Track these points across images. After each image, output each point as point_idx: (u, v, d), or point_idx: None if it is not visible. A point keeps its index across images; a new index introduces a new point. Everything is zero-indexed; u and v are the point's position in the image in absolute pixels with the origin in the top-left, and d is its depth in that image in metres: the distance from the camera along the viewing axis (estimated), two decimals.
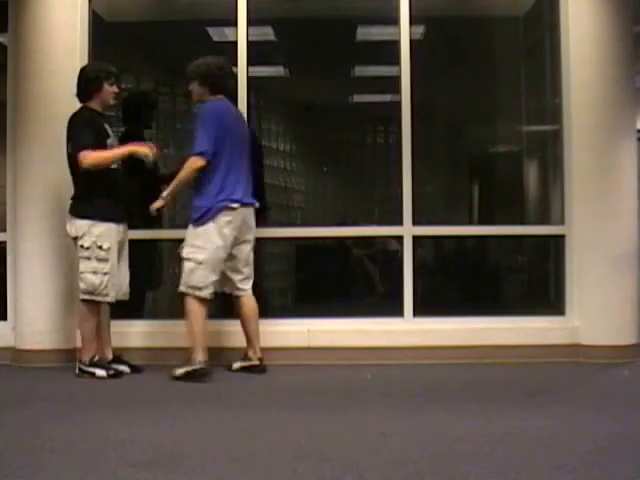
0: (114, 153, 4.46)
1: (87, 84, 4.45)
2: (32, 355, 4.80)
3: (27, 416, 3.49)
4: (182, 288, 4.38)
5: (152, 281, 5.73)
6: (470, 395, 3.95)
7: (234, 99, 4.48)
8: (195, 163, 4.33)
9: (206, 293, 4.34)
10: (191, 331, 4.34)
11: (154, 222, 5.22)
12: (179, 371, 4.30)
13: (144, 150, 4.44)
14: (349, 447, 2.95)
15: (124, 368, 4.50)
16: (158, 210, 4.51)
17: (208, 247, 4.31)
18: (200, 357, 4.29)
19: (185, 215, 6.73)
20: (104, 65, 4.60)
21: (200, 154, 4.31)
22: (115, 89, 4.51)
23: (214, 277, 4.36)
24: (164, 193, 4.46)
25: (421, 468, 2.67)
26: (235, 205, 4.37)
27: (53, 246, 4.83)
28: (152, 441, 3.05)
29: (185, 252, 4.37)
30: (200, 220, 4.33)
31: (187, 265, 4.34)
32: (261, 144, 5.55)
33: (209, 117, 4.37)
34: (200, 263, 4.31)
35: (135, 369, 4.53)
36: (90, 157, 4.34)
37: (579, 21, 4.91)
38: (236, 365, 4.53)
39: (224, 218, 4.34)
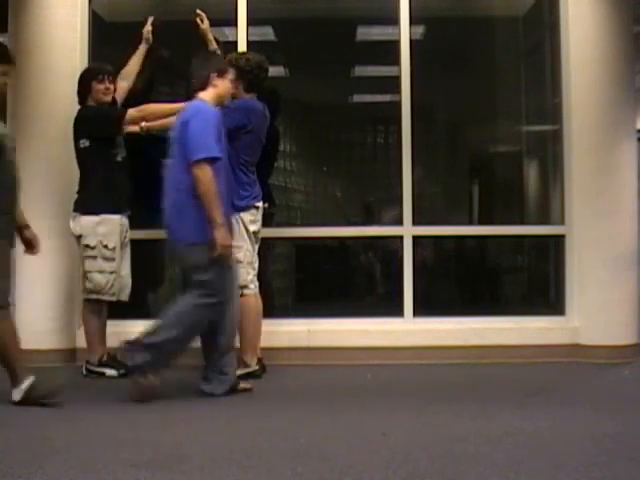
0: (169, 106, 4.46)
1: (79, 87, 4.51)
2: (32, 355, 4.78)
3: (27, 416, 3.49)
4: None
5: (152, 281, 5.73)
6: (470, 395, 3.95)
7: (265, 100, 4.47)
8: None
9: (253, 289, 4.36)
10: (243, 332, 4.29)
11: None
12: None
13: None
14: (349, 447, 2.95)
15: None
16: (129, 134, 4.45)
17: (243, 245, 4.31)
18: (253, 359, 4.31)
19: None
20: (93, 65, 4.71)
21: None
22: (106, 85, 4.51)
23: (253, 273, 4.38)
24: (143, 124, 4.41)
25: (421, 468, 2.67)
26: (260, 204, 4.40)
27: (53, 246, 4.82)
28: (152, 441, 3.05)
29: None
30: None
31: None
32: (278, 146, 5.57)
33: (239, 112, 4.31)
34: (239, 262, 4.28)
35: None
36: (145, 109, 4.41)
37: (579, 21, 4.91)
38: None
39: (250, 217, 4.35)
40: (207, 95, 3.95)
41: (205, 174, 3.71)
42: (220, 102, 3.99)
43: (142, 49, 4.77)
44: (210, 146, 3.76)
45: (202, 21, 4.71)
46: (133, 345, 3.79)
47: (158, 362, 3.78)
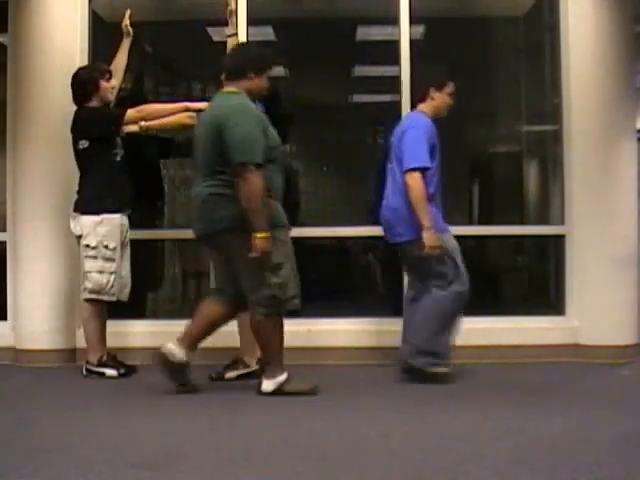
0: (169, 106, 4.50)
1: (84, 86, 4.47)
2: (32, 355, 4.80)
3: (27, 416, 3.49)
4: None
5: (152, 281, 5.73)
6: (470, 395, 3.95)
7: (264, 100, 4.48)
8: (189, 120, 4.33)
9: None
10: (243, 333, 4.30)
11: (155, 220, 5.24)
12: (230, 374, 4.30)
13: (204, 106, 4.32)
14: (349, 447, 2.95)
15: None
16: (128, 134, 4.44)
17: None
18: (253, 359, 4.31)
19: (184, 215, 6.71)
20: (95, 65, 4.72)
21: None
22: (112, 83, 4.52)
23: None
24: (142, 123, 4.40)
25: (421, 468, 2.67)
26: None
27: (53, 246, 4.83)
28: (152, 441, 3.05)
29: None
30: None
31: None
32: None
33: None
34: None
35: (130, 369, 4.52)
36: (145, 109, 4.44)
37: (579, 21, 4.91)
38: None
39: None
40: (425, 107, 4.24)
41: (415, 182, 4.02)
42: (438, 114, 4.23)
43: (125, 43, 4.76)
44: (421, 156, 4.04)
45: (230, 2, 4.66)
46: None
47: (438, 357, 4.15)
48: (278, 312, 3.83)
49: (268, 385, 3.85)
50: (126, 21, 4.73)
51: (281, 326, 3.87)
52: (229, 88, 3.92)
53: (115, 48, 4.74)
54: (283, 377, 3.85)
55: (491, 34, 6.34)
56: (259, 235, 3.65)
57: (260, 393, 3.84)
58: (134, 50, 4.82)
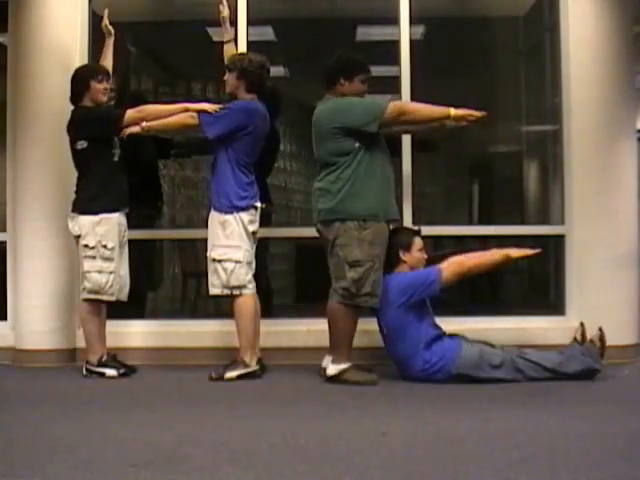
0: (168, 106, 4.51)
1: (76, 85, 4.48)
2: (32, 355, 4.80)
3: (27, 416, 3.50)
4: (222, 291, 4.35)
5: (152, 281, 5.73)
6: (470, 395, 3.94)
7: (265, 100, 4.48)
8: (190, 120, 4.32)
9: (252, 288, 4.37)
10: (242, 332, 4.33)
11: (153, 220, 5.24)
12: (230, 374, 4.29)
13: (204, 107, 4.36)
14: (349, 447, 2.94)
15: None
16: (129, 135, 4.42)
17: (242, 245, 4.33)
18: (253, 359, 4.33)
19: (185, 215, 6.73)
20: (91, 65, 4.72)
21: (205, 123, 4.29)
22: (105, 85, 4.50)
23: (252, 273, 4.40)
24: (144, 124, 4.38)
25: (421, 468, 2.66)
26: (258, 204, 4.42)
27: (53, 246, 4.83)
28: (152, 441, 3.05)
29: (218, 254, 4.33)
30: (226, 213, 4.33)
31: (225, 266, 4.31)
32: (278, 147, 5.57)
33: (241, 113, 4.34)
34: (238, 262, 4.31)
35: (130, 369, 4.52)
36: (144, 109, 4.43)
37: (579, 21, 4.92)
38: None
39: (249, 217, 4.36)
40: (403, 268, 4.36)
41: None
42: (416, 268, 4.41)
43: (108, 43, 4.75)
44: None
45: (223, 9, 4.66)
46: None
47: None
48: (351, 304, 4.18)
49: (331, 370, 4.20)
50: (105, 21, 4.71)
51: (354, 318, 4.22)
52: (327, 95, 4.37)
53: (116, 47, 4.73)
54: (345, 366, 4.19)
55: (491, 34, 6.34)
56: (452, 115, 4.29)
57: (326, 377, 4.20)
58: (133, 50, 4.82)
